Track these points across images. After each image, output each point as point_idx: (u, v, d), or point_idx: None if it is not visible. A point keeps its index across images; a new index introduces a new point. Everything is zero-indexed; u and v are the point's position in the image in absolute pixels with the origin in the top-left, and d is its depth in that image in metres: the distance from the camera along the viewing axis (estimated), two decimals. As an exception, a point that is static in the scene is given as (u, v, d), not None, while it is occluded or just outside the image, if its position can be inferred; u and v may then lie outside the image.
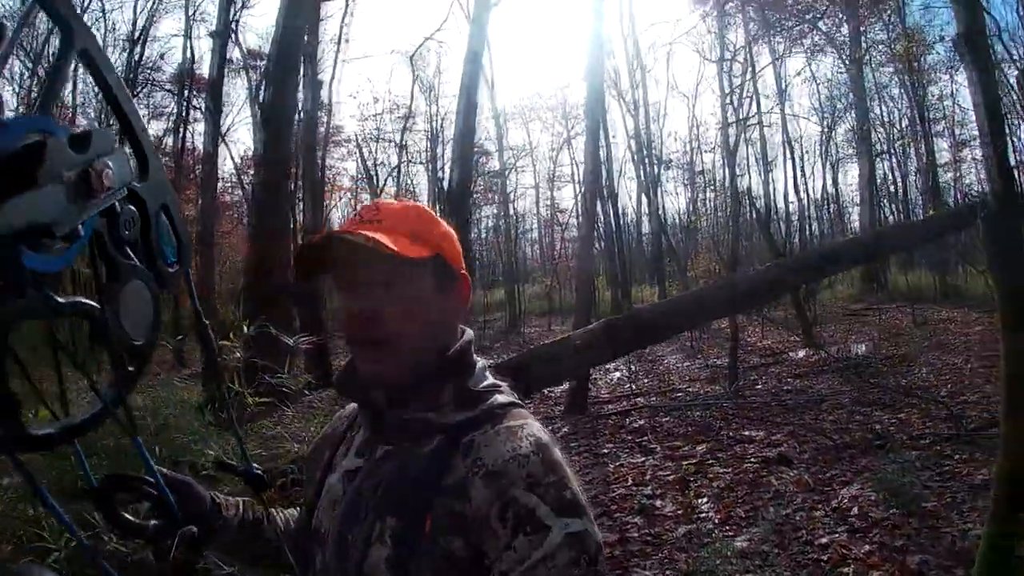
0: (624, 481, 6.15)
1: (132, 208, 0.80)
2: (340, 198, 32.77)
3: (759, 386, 9.78)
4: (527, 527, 0.98)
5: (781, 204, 29.85)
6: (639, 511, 5.32)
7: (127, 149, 0.79)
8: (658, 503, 5.48)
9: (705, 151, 32.47)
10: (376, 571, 1.05)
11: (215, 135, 11.29)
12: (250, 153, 24.98)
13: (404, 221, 1.14)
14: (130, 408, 0.84)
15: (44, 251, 0.67)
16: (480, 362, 1.22)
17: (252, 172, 18.46)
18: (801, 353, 11.79)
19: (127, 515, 0.96)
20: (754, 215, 17.22)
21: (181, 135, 24.50)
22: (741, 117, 23.70)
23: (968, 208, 8.40)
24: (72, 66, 0.76)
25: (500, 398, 1.16)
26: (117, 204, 0.76)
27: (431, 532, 1.02)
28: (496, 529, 0.99)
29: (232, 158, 26.84)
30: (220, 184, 22.11)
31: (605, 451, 7.25)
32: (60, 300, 0.71)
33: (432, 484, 1.05)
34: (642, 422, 8.28)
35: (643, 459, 6.81)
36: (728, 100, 23.41)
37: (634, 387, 10.23)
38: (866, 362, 10.24)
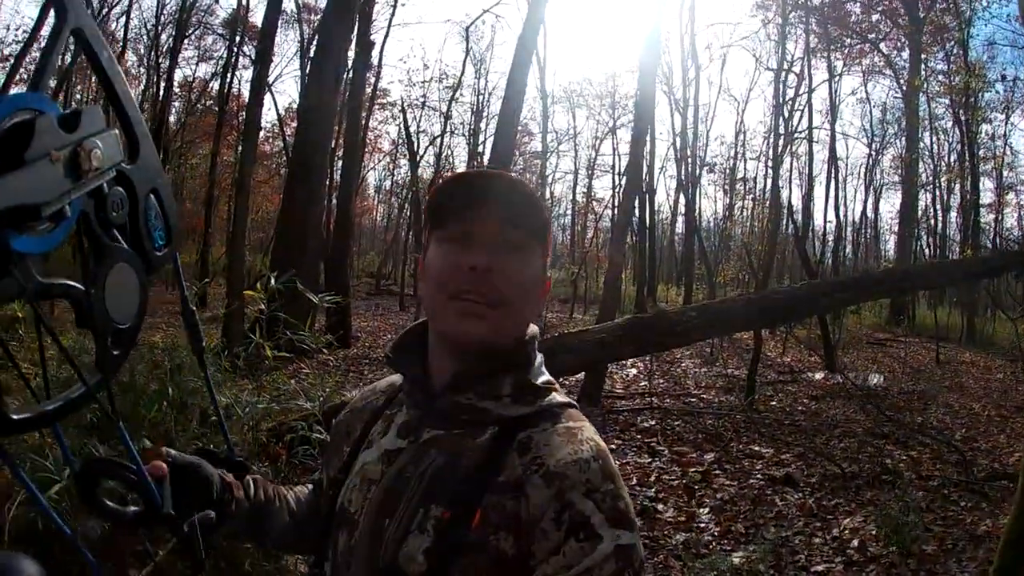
0: (628, 480, 6.11)
1: (120, 190, 0.79)
2: (379, 160, 32.90)
3: (774, 402, 9.73)
4: (580, 533, 0.95)
5: (819, 222, 29.62)
6: (640, 512, 5.27)
7: (117, 130, 0.77)
8: (660, 507, 5.48)
9: (749, 158, 32.26)
10: (411, 561, 1.01)
11: (261, 82, 11.30)
12: (294, 105, 25.16)
13: (526, 200, 1.14)
14: (112, 393, 0.82)
15: (30, 232, 0.66)
16: (539, 356, 1.18)
17: (295, 124, 18.55)
18: (819, 375, 11.72)
19: (107, 500, 0.94)
20: (791, 229, 17.06)
21: (228, 80, 24.60)
22: (790, 129, 23.49)
23: (1008, 255, 8.36)
24: (65, 44, 0.74)
25: (558, 397, 1.13)
26: (105, 185, 0.75)
27: (480, 526, 0.99)
28: (548, 531, 0.96)
29: (276, 108, 26.98)
30: (261, 133, 22.23)
31: (613, 447, 7.19)
32: (45, 282, 0.71)
33: (487, 478, 1.02)
34: (653, 422, 8.27)
35: (650, 460, 6.82)
36: (780, 110, 23.17)
37: (649, 386, 10.23)
38: (884, 394, 10.15)
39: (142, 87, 26.59)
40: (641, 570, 0.99)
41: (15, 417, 0.71)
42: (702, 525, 5.21)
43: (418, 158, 26.81)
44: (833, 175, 27.30)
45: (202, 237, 21.98)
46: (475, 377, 1.09)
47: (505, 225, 1.10)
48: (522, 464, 1.02)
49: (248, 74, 22.00)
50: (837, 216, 28.96)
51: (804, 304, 7.80)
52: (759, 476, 6.30)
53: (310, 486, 1.41)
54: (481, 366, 1.09)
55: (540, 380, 1.13)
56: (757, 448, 7.22)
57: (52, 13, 0.72)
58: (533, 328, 1.18)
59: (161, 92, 24.49)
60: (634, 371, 11.93)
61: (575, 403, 1.15)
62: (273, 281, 4.37)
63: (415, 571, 1.00)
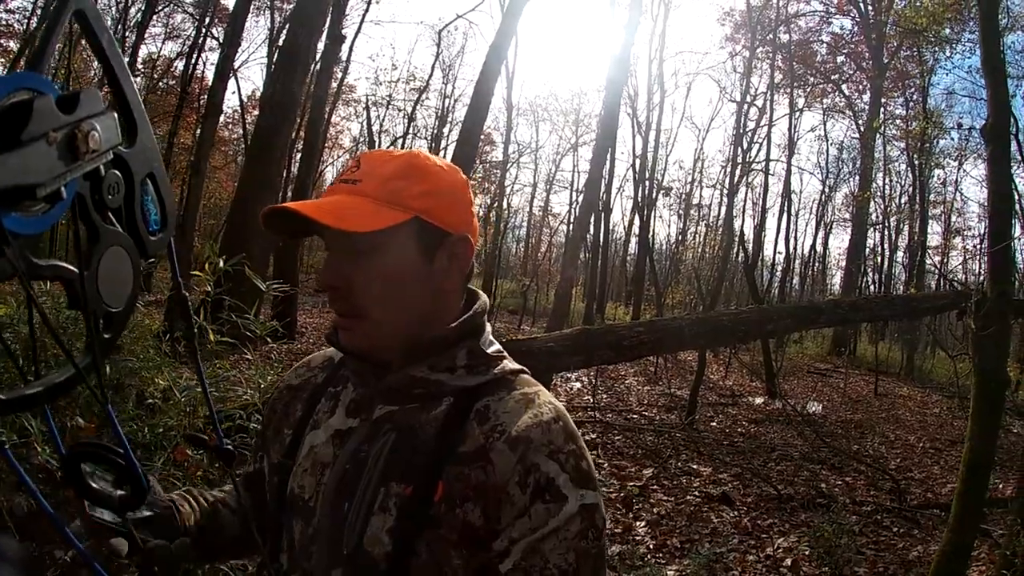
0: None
1: (117, 173, 0.78)
2: (338, 156, 32.68)
3: (714, 423, 9.86)
4: (546, 495, 0.96)
5: (768, 252, 30.17)
6: None
7: (115, 113, 0.76)
8: None
9: (705, 185, 32.77)
10: (376, 543, 0.99)
11: (227, 65, 11.14)
12: (258, 93, 24.84)
13: (385, 181, 1.03)
14: (102, 376, 0.81)
15: (25, 212, 0.65)
16: (488, 326, 1.16)
17: (256, 112, 18.33)
18: (759, 400, 11.91)
19: (94, 484, 0.93)
20: (742, 257, 17.34)
21: (193, 61, 24.19)
22: (748, 160, 23.92)
23: (954, 293, 8.58)
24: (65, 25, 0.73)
25: (509, 364, 1.12)
26: (102, 168, 0.75)
27: (443, 500, 0.98)
28: (513, 495, 0.96)
29: (239, 94, 26.58)
30: (221, 118, 21.90)
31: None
32: (38, 263, 0.70)
33: (447, 450, 1.00)
34: (594, 436, 8.29)
35: (588, 472, 6.85)
36: (740, 141, 23.60)
37: (593, 400, 10.26)
38: (822, 421, 10.36)
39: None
40: (603, 527, 1.01)
41: (3, 397, 0.69)
42: (638, 538, 5.24)
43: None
44: (786, 208, 27.88)
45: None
46: (431, 349, 1.07)
47: (331, 236, 1.05)
48: (483, 432, 1.01)
49: (214, 57, 21.64)
50: (787, 248, 29.56)
51: (750, 327, 7.88)
52: (696, 493, 6.37)
53: (229, 487, 1.32)
54: (433, 342, 1.07)
55: (491, 349, 1.12)
56: (695, 466, 7.30)
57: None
58: (483, 299, 1.16)
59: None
60: (578, 384, 11.98)
61: (526, 369, 1.14)
62: (221, 263, 4.27)
63: (381, 553, 0.98)
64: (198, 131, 16.99)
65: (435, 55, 28.40)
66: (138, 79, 26.44)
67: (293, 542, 1.10)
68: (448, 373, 1.06)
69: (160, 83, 27.13)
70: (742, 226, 27.17)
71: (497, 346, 1.14)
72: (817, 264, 34.44)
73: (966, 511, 3.69)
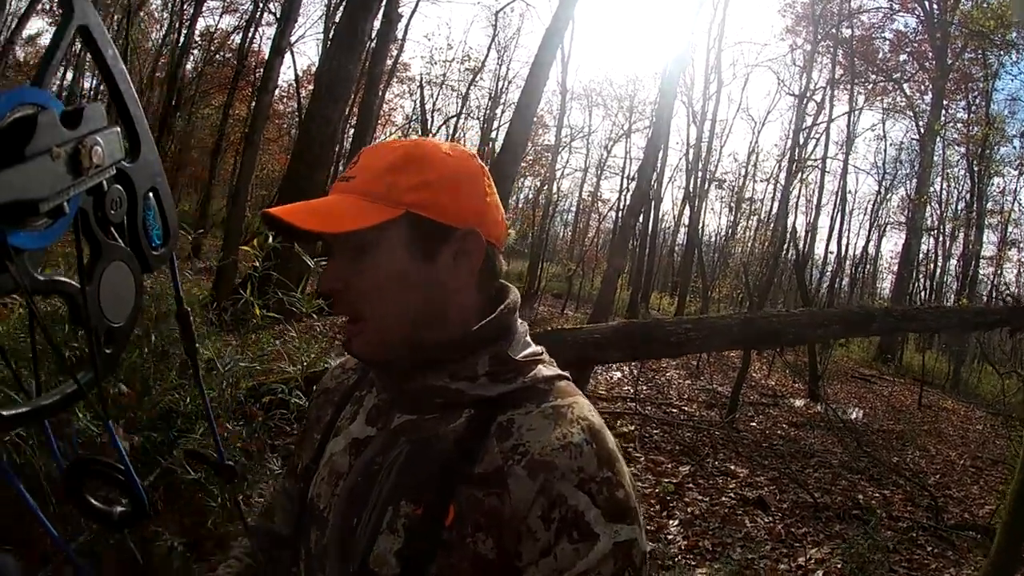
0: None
1: (120, 188, 0.78)
2: (391, 134, 32.86)
3: (754, 423, 9.73)
4: (573, 532, 0.86)
5: (819, 252, 29.70)
6: None
7: (119, 128, 0.76)
8: None
9: (759, 179, 32.32)
10: (384, 564, 0.92)
11: (283, 39, 11.27)
12: (313, 68, 25.11)
13: (378, 175, 0.96)
14: (103, 391, 0.81)
15: (28, 227, 0.65)
16: (522, 326, 1.05)
17: (311, 87, 18.50)
18: (801, 402, 11.72)
19: (93, 500, 0.91)
20: (792, 255, 17.11)
21: (249, 35, 24.57)
22: (804, 156, 23.53)
23: (1007, 309, 8.39)
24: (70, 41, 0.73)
25: (544, 370, 1.00)
26: (105, 183, 0.74)
27: (454, 525, 0.89)
28: (536, 529, 0.87)
29: (295, 69, 26.85)
30: (276, 92, 22.12)
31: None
32: (40, 278, 0.71)
33: (460, 469, 0.92)
34: (632, 428, 8.24)
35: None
36: (797, 136, 23.22)
37: (633, 392, 10.23)
38: (863, 429, 10.16)
39: (163, 32, 26.53)
40: (643, 566, 0.90)
41: (5, 414, 0.70)
42: (670, 537, 5.22)
43: (430, 136, 26.76)
44: (840, 207, 27.42)
45: (205, 188, 21.96)
46: (448, 357, 0.98)
47: (336, 238, 0.99)
48: (502, 452, 0.91)
49: (271, 31, 21.92)
50: (839, 248, 29.11)
51: (800, 331, 7.79)
52: (732, 495, 6.31)
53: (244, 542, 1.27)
54: (452, 347, 0.98)
55: (523, 353, 1.01)
56: (733, 467, 7.23)
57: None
58: (512, 295, 1.06)
59: (181, 39, 24.38)
60: (619, 374, 11.90)
61: (565, 375, 1.03)
62: (271, 239, 4.34)
63: (388, 574, 0.92)
64: (253, 104, 17.22)
65: (491, 36, 28.38)
66: (195, 51, 26.93)
67: (310, 550, 1.05)
68: (468, 382, 0.97)
69: (217, 56, 27.58)
70: (794, 223, 26.80)
71: (532, 349, 1.03)
72: (868, 267, 33.83)
73: (1011, 541, 3.62)
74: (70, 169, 0.66)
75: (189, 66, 26.51)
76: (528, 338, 1.05)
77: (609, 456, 0.92)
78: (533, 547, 0.87)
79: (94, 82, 26.54)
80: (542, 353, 1.04)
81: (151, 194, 0.84)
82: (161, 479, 3.46)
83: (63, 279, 0.74)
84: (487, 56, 28.48)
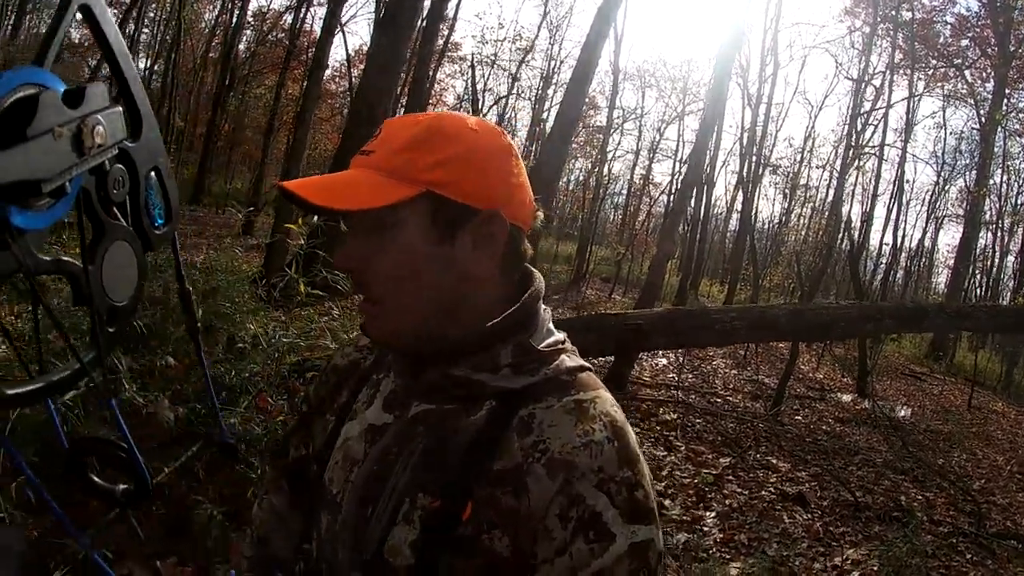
0: (640, 470, 6.17)
1: (122, 167, 0.78)
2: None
3: (799, 417, 9.58)
4: (590, 532, 0.85)
5: (874, 242, 29.00)
6: None
7: (120, 108, 0.76)
8: (667, 503, 5.46)
9: (815, 166, 31.64)
10: (398, 554, 0.90)
11: (334, 19, 11.37)
12: (364, 47, 25.29)
13: (398, 150, 0.91)
14: (107, 370, 0.82)
15: (30, 207, 0.66)
16: (546, 312, 1.02)
17: (363, 66, 18.67)
18: (848, 397, 11.52)
19: (96, 478, 0.91)
20: (846, 245, 16.78)
21: (301, 15, 24.84)
22: (862, 142, 22.98)
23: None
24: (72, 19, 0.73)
25: (567, 361, 0.97)
26: (107, 163, 0.74)
27: (470, 520, 0.87)
28: (552, 528, 0.85)
29: (346, 48, 27.12)
30: (328, 72, 22.31)
31: (631, 434, 7.25)
32: (43, 258, 0.71)
33: (479, 464, 0.89)
34: (675, 416, 8.18)
35: (665, 454, 6.79)
36: (854, 122, 22.66)
37: (677, 379, 10.15)
38: (910, 428, 9.95)
39: (216, 12, 27.03)
40: (658, 566, 0.89)
41: (10, 392, 0.70)
42: (705, 529, 5.19)
43: (481, 116, 26.71)
44: (897, 197, 26.66)
45: (258, 166, 22.30)
46: (470, 348, 0.95)
47: (354, 215, 0.95)
48: (522, 448, 0.89)
49: (322, 11, 22.14)
50: (894, 239, 28.28)
51: (849, 324, 7.65)
52: (771, 489, 6.24)
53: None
54: (475, 337, 0.95)
55: (546, 343, 0.98)
56: (774, 460, 7.14)
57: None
58: (537, 283, 1.02)
59: (234, 19, 24.82)
60: (664, 361, 11.83)
61: (588, 365, 1.00)
62: (316, 218, 4.39)
63: (402, 564, 0.90)
64: (304, 83, 17.39)
65: (542, 14, 28.22)
66: (248, 32, 27.33)
67: (321, 532, 1.04)
68: (490, 373, 0.94)
69: (269, 36, 27.96)
70: (849, 212, 26.25)
71: (556, 337, 1.00)
72: (923, 260, 32.94)
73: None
74: (72, 149, 0.67)
75: (242, 46, 27.06)
76: (551, 324, 1.02)
77: (630, 455, 0.90)
78: (549, 546, 0.85)
79: (148, 62, 27.07)
80: (564, 341, 1.01)
81: (153, 174, 0.84)
82: (203, 450, 3.58)
83: (66, 259, 0.74)
84: (537, 35, 28.38)
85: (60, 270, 0.74)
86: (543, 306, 1.02)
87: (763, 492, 6.16)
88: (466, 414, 0.94)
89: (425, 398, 0.97)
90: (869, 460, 7.87)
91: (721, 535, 5.12)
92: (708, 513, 5.49)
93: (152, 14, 26.25)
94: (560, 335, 1.01)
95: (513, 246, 0.97)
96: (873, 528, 5.66)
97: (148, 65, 27.92)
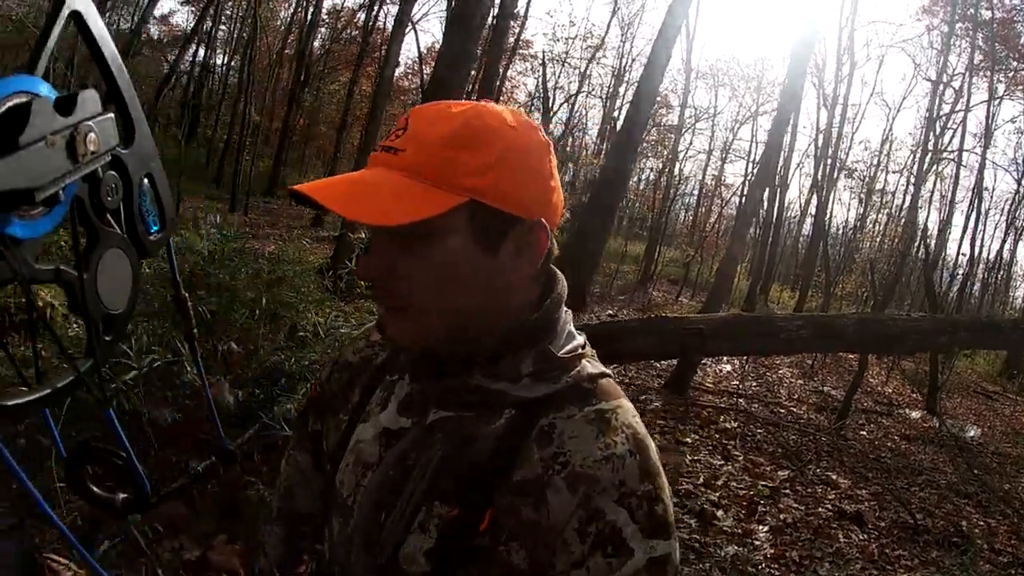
0: (695, 478, 6.06)
1: (115, 174, 0.77)
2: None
3: (864, 432, 9.29)
4: (608, 547, 0.83)
5: (951, 252, 27.96)
6: (697, 514, 5.23)
7: (113, 114, 0.75)
8: (719, 513, 5.37)
9: (891, 171, 30.68)
10: (413, 562, 0.89)
11: (405, 17, 11.51)
12: (436, 45, 25.56)
13: (434, 150, 0.84)
14: (103, 378, 0.81)
15: (23, 216, 0.66)
16: (566, 315, 0.99)
17: (434, 64, 18.89)
18: (916, 414, 11.09)
19: (93, 487, 0.91)
20: (922, 254, 16.26)
21: (374, 13, 25.23)
22: (940, 147, 22.22)
23: None
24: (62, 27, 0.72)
25: (588, 367, 0.94)
26: (100, 170, 0.74)
27: (488, 531, 0.86)
28: (571, 541, 0.84)
29: (418, 46, 27.36)
30: (400, 69, 22.57)
31: (688, 441, 7.12)
32: (40, 267, 0.71)
33: (498, 474, 0.88)
34: (735, 425, 8.05)
35: (722, 463, 6.69)
36: (932, 125, 21.90)
37: (740, 387, 10.00)
38: (978, 450, 9.52)
39: (291, 10, 27.67)
40: None
41: (8, 403, 0.70)
42: (757, 543, 5.09)
43: (551, 114, 26.80)
44: (975, 205, 25.63)
45: (331, 160, 22.71)
46: (491, 354, 0.92)
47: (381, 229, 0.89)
48: (542, 459, 0.87)
49: (394, 9, 22.50)
50: (972, 250, 27.16)
51: (920, 337, 7.40)
52: (829, 506, 6.07)
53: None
54: (495, 346, 0.92)
55: (567, 348, 0.94)
56: (834, 476, 6.94)
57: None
58: (559, 286, 0.99)
59: (309, 17, 25.35)
60: (728, 367, 11.63)
61: (608, 372, 0.97)
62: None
63: (416, 571, 0.89)
64: (377, 80, 17.62)
65: (612, 11, 28.04)
66: (323, 29, 27.89)
67: (333, 535, 1.03)
68: (510, 383, 0.91)
69: (343, 34, 28.42)
70: (926, 220, 25.38)
71: (577, 341, 0.97)
72: (1001, 272, 31.53)
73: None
74: (65, 157, 0.66)
75: (316, 43, 27.63)
76: (571, 327, 0.98)
77: (651, 468, 0.88)
78: (566, 559, 0.84)
79: (224, 58, 27.71)
80: (584, 345, 0.98)
81: (146, 180, 0.84)
82: (260, 433, 3.69)
83: (61, 267, 0.74)
84: (607, 32, 28.21)
85: (55, 279, 0.74)
86: (564, 309, 0.99)
87: (820, 509, 6.00)
88: (485, 422, 0.91)
89: (443, 404, 0.95)
90: (932, 481, 7.59)
91: (772, 550, 5.03)
92: (761, 527, 5.39)
93: (228, 11, 27.04)
94: (580, 339, 0.98)
95: (548, 251, 0.94)
96: (931, 553, 5.47)
97: (225, 61, 28.80)
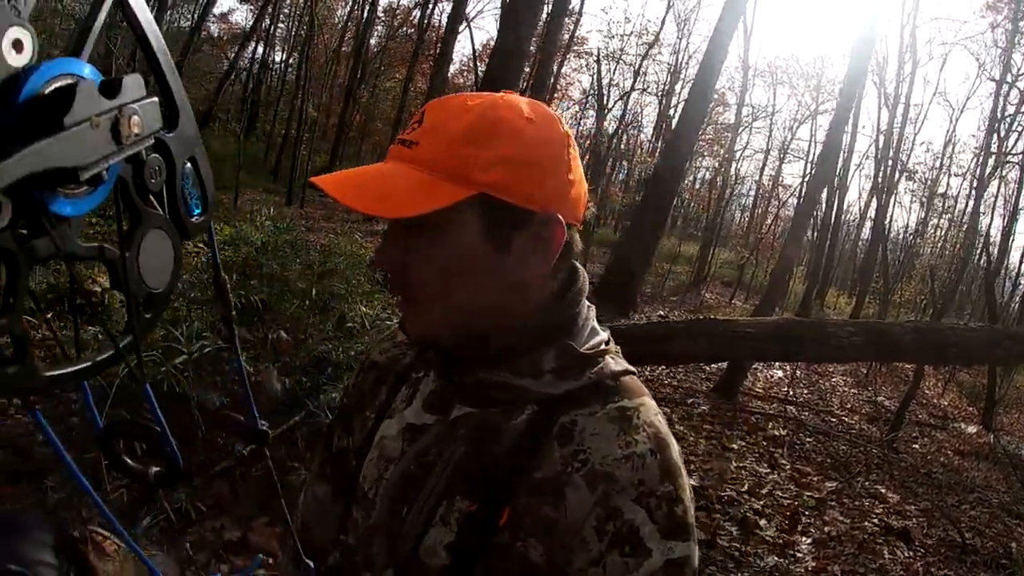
0: (739, 485, 5.99)
1: (158, 157, 0.79)
2: (567, 108, 32.90)
3: (916, 445, 9.07)
4: (626, 546, 0.83)
5: (1013, 260, 27.02)
6: (739, 522, 5.17)
7: (157, 98, 0.76)
8: (762, 522, 5.30)
9: (954, 174, 29.77)
10: (433, 555, 0.90)
11: (459, 15, 11.56)
12: (491, 42, 25.64)
13: (448, 144, 0.84)
14: (141, 355, 0.83)
15: (67, 195, 0.67)
16: (589, 311, 0.98)
17: (488, 60, 18.96)
18: (972, 428, 10.77)
19: (129, 460, 0.92)
20: (983, 262, 15.81)
21: (429, 10, 25.45)
22: (1004, 150, 21.52)
23: None
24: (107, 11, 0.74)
25: (611, 364, 0.93)
26: (143, 152, 0.75)
27: (507, 527, 0.86)
28: (589, 539, 0.84)
29: (472, 43, 27.59)
30: (455, 66, 22.66)
31: (734, 447, 7.04)
32: (81, 244, 0.72)
33: (518, 471, 0.88)
34: (784, 432, 7.93)
35: (768, 471, 6.60)
36: (996, 127, 21.19)
37: (791, 393, 9.85)
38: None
39: (348, 8, 28.08)
40: None
41: (46, 374, 0.72)
42: (799, 555, 5.00)
43: (606, 111, 26.65)
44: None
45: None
46: (510, 353, 0.92)
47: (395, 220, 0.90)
48: (562, 457, 0.87)
49: (449, 7, 22.67)
50: (1037, 256, 26.27)
51: (977, 348, 7.17)
52: (875, 521, 5.94)
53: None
54: (517, 342, 0.92)
55: (589, 344, 0.94)
56: (883, 490, 6.79)
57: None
58: (580, 279, 0.98)
59: (365, 15, 25.62)
60: (780, 373, 11.45)
61: (632, 369, 0.96)
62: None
63: (437, 565, 0.90)
64: (430, 77, 17.74)
65: (668, 7, 27.84)
66: (379, 27, 28.17)
67: (356, 527, 1.04)
68: (533, 379, 0.91)
69: (399, 31, 28.71)
70: (988, 226, 24.58)
71: (600, 337, 0.96)
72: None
73: None
74: (109, 138, 0.68)
75: (373, 41, 27.91)
76: (595, 323, 0.98)
77: (671, 468, 0.87)
78: (583, 556, 0.84)
79: (282, 55, 28.06)
80: (608, 341, 0.97)
81: (189, 163, 0.85)
82: (304, 420, 3.77)
83: (103, 245, 0.76)
84: (662, 28, 27.97)
85: (98, 256, 0.76)
86: (587, 303, 0.98)
87: (866, 523, 5.87)
88: (507, 419, 0.92)
89: (466, 401, 0.95)
90: (984, 499, 7.35)
91: (814, 563, 4.95)
92: (804, 539, 5.31)
93: (286, 9, 27.55)
94: (603, 335, 0.97)
95: (566, 245, 0.92)
96: (977, 574, 5.34)
97: (283, 58, 29.33)
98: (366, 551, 1.00)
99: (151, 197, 0.79)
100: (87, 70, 0.69)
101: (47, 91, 0.64)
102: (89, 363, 0.78)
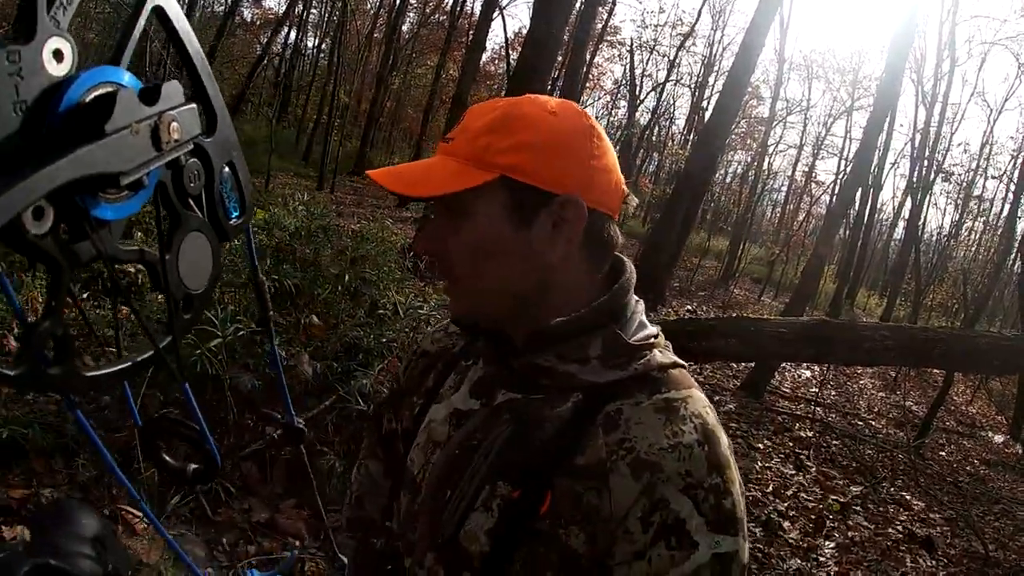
0: (764, 486, 5.96)
1: (197, 162, 0.81)
2: (598, 98, 32.72)
3: (943, 453, 8.97)
4: (672, 538, 0.81)
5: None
6: (763, 523, 5.13)
7: (196, 105, 0.78)
8: (786, 524, 5.26)
9: (991, 176, 29.17)
10: (474, 540, 0.90)
11: (492, 3, 11.51)
12: (523, 31, 25.54)
13: (475, 136, 0.91)
14: (180, 355, 0.85)
15: (109, 199, 0.69)
16: (638, 305, 1.00)
17: (521, 49, 18.93)
18: (1000, 438, 10.62)
19: (168, 457, 0.94)
20: (1018, 267, 15.54)
21: (462, -2, 25.27)
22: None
23: None
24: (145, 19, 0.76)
25: (658, 356, 0.94)
26: (182, 157, 0.77)
27: (548, 514, 0.86)
28: (633, 530, 0.82)
29: (505, 31, 27.46)
30: (487, 54, 22.59)
31: (760, 447, 6.98)
32: (122, 247, 0.74)
33: (562, 457, 0.88)
34: (810, 434, 7.86)
35: (793, 472, 6.56)
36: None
37: (818, 395, 9.73)
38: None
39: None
40: None
41: (87, 375, 0.74)
42: (821, 559, 4.97)
43: (638, 102, 26.52)
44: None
45: (416, 142, 23.00)
46: (557, 336, 0.93)
47: (436, 200, 0.97)
48: (607, 445, 0.87)
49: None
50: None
51: (1008, 357, 7.07)
52: (899, 528, 5.88)
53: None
54: (562, 326, 0.93)
55: (637, 336, 0.95)
56: (908, 497, 6.71)
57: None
58: (627, 271, 1.00)
59: (397, 2, 25.61)
60: (808, 373, 11.37)
61: (681, 361, 0.97)
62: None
63: (476, 551, 0.90)
64: (462, 64, 17.74)
65: (703, -1, 27.50)
66: (411, 14, 28.20)
67: (401, 511, 1.06)
68: (579, 364, 0.92)
69: (431, 18, 28.77)
70: (1023, 230, 24.21)
71: (648, 331, 0.97)
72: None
73: None
74: (149, 144, 0.69)
75: (405, 27, 27.92)
76: (643, 318, 0.99)
77: (720, 461, 0.86)
78: (628, 548, 0.83)
79: (315, 41, 28.00)
80: (657, 335, 0.97)
81: (227, 168, 0.87)
82: (334, 405, 3.80)
83: (144, 248, 0.78)
84: (698, 19, 27.71)
85: (139, 259, 0.78)
86: (635, 298, 1.00)
87: (890, 529, 5.81)
88: (552, 405, 0.92)
89: (511, 386, 0.97)
90: (1010, 511, 7.23)
91: (836, 568, 4.91)
92: (827, 543, 5.26)
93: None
94: (653, 328, 0.98)
95: (596, 233, 0.95)
96: (1001, 587, 5.29)
97: (316, 44, 29.43)
98: (409, 536, 1.01)
99: (190, 201, 0.82)
100: (127, 78, 0.71)
101: (88, 99, 0.65)
102: (129, 363, 0.80)
